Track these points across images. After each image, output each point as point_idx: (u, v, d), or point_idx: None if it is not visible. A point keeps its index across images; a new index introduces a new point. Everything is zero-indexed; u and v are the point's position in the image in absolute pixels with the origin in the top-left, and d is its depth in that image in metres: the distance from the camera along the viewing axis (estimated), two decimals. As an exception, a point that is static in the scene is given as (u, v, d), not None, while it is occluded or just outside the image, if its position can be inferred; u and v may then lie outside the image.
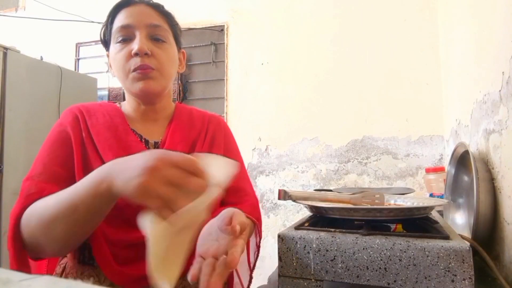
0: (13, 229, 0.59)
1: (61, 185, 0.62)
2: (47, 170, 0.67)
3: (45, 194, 0.62)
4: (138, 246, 0.63)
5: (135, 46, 0.69)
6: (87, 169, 0.66)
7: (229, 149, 0.89)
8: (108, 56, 0.77)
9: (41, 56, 2.14)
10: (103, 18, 0.77)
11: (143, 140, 0.76)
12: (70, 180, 0.64)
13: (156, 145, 0.77)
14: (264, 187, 2.25)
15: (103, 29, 0.76)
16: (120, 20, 0.72)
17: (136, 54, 0.69)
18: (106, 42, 0.76)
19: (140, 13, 0.72)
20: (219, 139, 0.85)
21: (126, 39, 0.71)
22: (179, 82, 2.50)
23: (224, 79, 2.41)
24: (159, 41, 0.73)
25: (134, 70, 0.70)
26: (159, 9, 0.76)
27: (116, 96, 2.70)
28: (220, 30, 2.46)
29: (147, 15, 0.72)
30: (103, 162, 0.65)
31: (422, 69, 2.01)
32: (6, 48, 1.91)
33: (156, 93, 0.74)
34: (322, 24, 2.22)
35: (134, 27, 0.71)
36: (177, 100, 2.50)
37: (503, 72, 0.82)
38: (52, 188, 0.63)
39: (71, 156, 0.69)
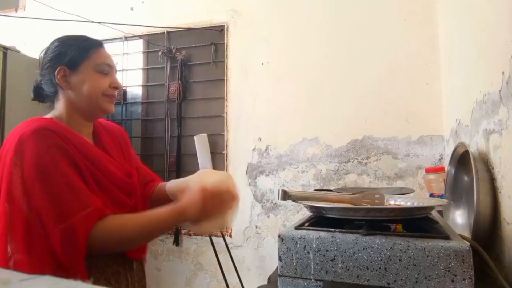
0: (83, 249, 0.73)
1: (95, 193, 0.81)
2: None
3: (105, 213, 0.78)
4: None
5: (117, 81, 0.94)
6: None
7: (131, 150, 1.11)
8: (65, 71, 0.89)
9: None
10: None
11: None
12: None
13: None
14: (264, 187, 2.25)
15: (71, 49, 0.90)
16: (103, 58, 0.93)
17: (116, 88, 0.94)
18: (72, 63, 0.89)
19: (111, 57, 0.96)
20: (125, 142, 1.07)
21: (106, 73, 0.93)
22: (179, 82, 2.50)
23: (224, 79, 2.41)
24: None
25: (110, 96, 0.93)
26: None
27: (116, 96, 2.70)
28: (220, 30, 2.46)
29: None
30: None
31: (422, 69, 2.01)
32: (6, 48, 1.91)
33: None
34: (321, 24, 2.22)
35: (112, 67, 0.95)
36: (177, 100, 2.50)
37: (503, 72, 0.82)
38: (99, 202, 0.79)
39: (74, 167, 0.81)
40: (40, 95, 0.95)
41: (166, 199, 1.00)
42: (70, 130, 0.85)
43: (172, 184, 1.03)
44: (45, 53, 0.93)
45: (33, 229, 0.73)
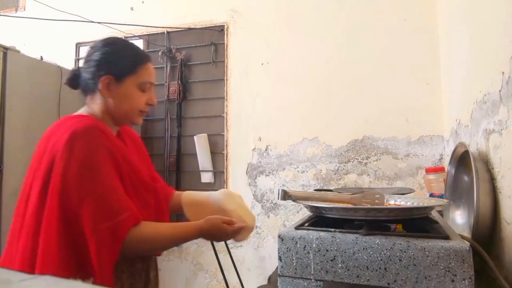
0: (116, 252, 0.76)
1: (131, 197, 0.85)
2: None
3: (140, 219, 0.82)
4: None
5: (154, 99, 0.98)
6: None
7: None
8: (111, 80, 0.90)
9: (41, 56, 2.14)
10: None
11: None
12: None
13: None
14: (264, 187, 2.25)
15: (121, 60, 0.92)
16: (148, 75, 0.94)
17: (151, 105, 0.97)
18: (119, 74, 0.91)
19: (154, 73, 0.98)
20: (142, 146, 1.11)
21: (146, 90, 0.95)
22: (179, 82, 2.50)
23: (224, 79, 2.41)
24: None
25: (142, 112, 0.96)
26: None
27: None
28: (220, 30, 2.45)
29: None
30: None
31: (422, 69, 2.01)
32: (6, 48, 1.91)
33: None
34: (322, 24, 2.22)
35: (152, 84, 0.97)
36: (177, 100, 2.50)
37: (503, 72, 0.82)
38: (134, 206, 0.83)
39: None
40: (76, 84, 0.94)
41: (179, 208, 1.09)
42: (111, 132, 0.89)
43: (188, 198, 1.10)
44: (95, 50, 0.92)
45: (68, 226, 0.75)
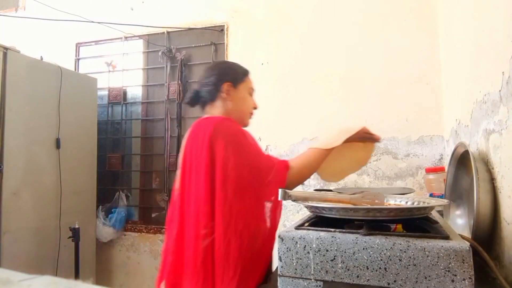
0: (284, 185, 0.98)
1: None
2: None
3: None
4: None
5: (256, 104, 1.19)
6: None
7: None
8: (230, 86, 1.12)
9: (41, 56, 2.14)
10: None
11: None
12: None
13: None
14: (264, 187, 2.25)
15: (234, 72, 1.16)
16: (251, 83, 1.18)
17: (255, 108, 1.18)
18: (235, 80, 1.14)
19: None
20: None
21: (251, 96, 1.19)
22: (179, 82, 2.50)
23: (224, 79, 2.41)
24: None
25: (251, 114, 1.18)
26: None
27: (116, 96, 2.70)
28: (220, 30, 2.46)
29: None
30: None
31: (422, 69, 2.01)
32: (6, 48, 1.91)
33: None
34: (321, 24, 2.22)
35: (254, 92, 1.20)
36: (177, 100, 2.51)
37: (503, 72, 0.82)
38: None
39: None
40: (196, 101, 1.17)
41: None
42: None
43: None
44: (211, 69, 1.16)
45: (241, 193, 0.95)
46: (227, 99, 1.11)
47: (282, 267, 0.62)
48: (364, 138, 1.13)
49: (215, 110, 1.12)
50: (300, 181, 1.07)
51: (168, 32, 2.58)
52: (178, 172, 1.05)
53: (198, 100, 1.16)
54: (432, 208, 0.73)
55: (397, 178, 2.01)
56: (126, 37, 2.69)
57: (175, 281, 0.95)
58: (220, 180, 0.94)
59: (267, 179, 0.97)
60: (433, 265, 0.53)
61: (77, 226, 2.07)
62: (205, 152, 0.96)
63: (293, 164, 1.04)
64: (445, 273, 0.52)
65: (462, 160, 1.11)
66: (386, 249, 0.56)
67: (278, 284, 0.62)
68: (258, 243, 0.96)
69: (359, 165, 1.20)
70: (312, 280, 0.60)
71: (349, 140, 1.08)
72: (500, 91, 0.85)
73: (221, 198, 0.93)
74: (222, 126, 0.99)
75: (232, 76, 1.14)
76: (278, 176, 0.98)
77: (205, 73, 1.16)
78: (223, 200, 0.93)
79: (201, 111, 1.17)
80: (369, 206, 0.74)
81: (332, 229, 0.63)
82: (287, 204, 2.19)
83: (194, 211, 0.95)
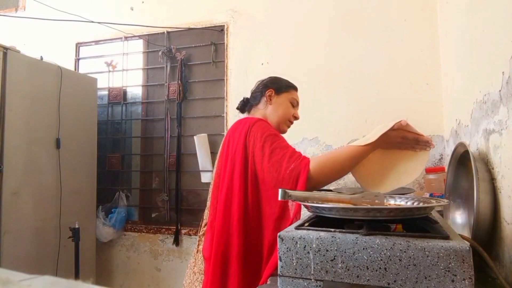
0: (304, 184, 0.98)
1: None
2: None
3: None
4: None
5: (298, 114, 1.32)
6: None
7: None
8: (272, 92, 1.26)
9: (41, 56, 2.14)
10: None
11: None
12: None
13: None
14: (264, 187, 2.25)
15: (280, 82, 1.31)
16: (296, 96, 1.31)
17: (296, 119, 1.31)
18: (278, 88, 1.28)
19: (299, 99, 1.33)
20: None
21: (294, 106, 1.30)
22: (179, 82, 2.50)
23: (224, 79, 2.41)
24: None
25: (290, 122, 1.30)
26: None
27: (116, 96, 2.70)
28: (220, 30, 2.46)
29: None
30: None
31: (422, 69, 2.01)
32: (6, 48, 1.91)
33: None
34: (322, 24, 2.22)
35: (298, 105, 1.32)
36: (177, 100, 2.51)
37: (503, 72, 0.82)
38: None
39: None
40: (244, 107, 1.34)
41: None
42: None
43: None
44: (262, 80, 1.32)
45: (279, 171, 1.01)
46: (268, 103, 1.25)
47: (282, 267, 0.62)
48: (409, 141, 1.06)
49: (256, 112, 1.27)
50: (326, 172, 1.01)
51: (168, 32, 2.59)
52: (216, 165, 1.17)
53: (246, 105, 1.33)
54: (432, 208, 0.73)
55: (397, 178, 2.01)
56: (126, 37, 2.69)
57: (222, 261, 1.05)
58: (252, 175, 1.04)
59: (289, 168, 1.00)
60: (433, 265, 0.53)
61: (77, 226, 2.07)
62: (240, 149, 1.06)
63: (314, 157, 1.04)
64: (445, 273, 0.52)
65: (462, 160, 1.11)
66: (386, 249, 0.56)
67: (278, 284, 0.62)
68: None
69: (409, 176, 1.02)
70: (312, 280, 0.60)
71: (389, 143, 1.04)
72: (500, 91, 0.85)
73: (251, 193, 1.03)
74: (256, 125, 1.09)
75: (277, 85, 1.28)
76: (300, 164, 0.99)
77: (256, 84, 1.33)
78: (255, 195, 1.03)
79: (247, 114, 1.32)
80: (369, 206, 0.74)
81: (332, 229, 0.63)
82: (287, 204, 2.18)
83: (225, 204, 1.06)
